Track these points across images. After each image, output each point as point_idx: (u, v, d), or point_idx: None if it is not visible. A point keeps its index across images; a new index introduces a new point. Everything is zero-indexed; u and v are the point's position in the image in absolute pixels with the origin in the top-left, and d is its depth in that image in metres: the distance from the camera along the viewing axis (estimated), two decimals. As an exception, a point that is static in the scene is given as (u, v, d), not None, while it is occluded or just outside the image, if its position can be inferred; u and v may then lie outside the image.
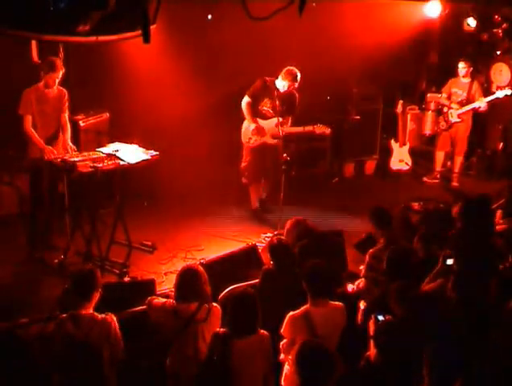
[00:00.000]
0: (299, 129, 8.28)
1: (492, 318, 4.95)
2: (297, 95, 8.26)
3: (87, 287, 4.81)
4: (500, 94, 9.54)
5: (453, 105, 9.79)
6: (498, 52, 10.72)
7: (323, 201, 9.27)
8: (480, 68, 10.73)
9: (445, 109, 9.91)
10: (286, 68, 8.13)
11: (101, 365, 4.65)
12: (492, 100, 9.61)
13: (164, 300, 5.16)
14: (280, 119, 8.07)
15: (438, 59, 11.47)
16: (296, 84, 8.11)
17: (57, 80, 7.09)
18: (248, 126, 8.30)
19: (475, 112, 9.81)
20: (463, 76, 9.74)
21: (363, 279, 6.01)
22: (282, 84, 8.12)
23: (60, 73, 7.06)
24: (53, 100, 7.17)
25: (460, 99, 9.76)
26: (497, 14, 10.53)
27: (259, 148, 8.34)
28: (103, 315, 4.77)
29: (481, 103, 9.59)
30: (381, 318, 4.88)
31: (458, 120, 9.77)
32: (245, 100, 8.25)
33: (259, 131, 8.22)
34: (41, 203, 7.23)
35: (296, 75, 8.07)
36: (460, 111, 9.72)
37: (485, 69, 10.66)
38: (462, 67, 9.67)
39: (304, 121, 8.35)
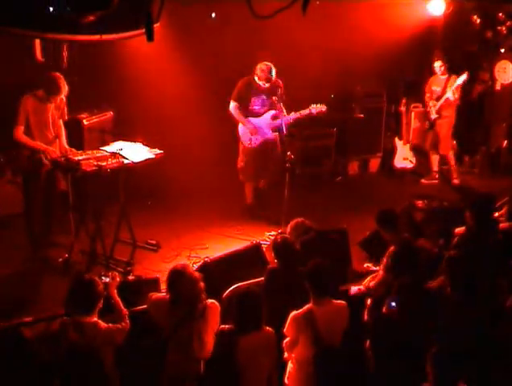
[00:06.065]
0: (296, 114, 8.12)
1: (499, 317, 4.97)
2: (280, 82, 8.03)
3: (88, 299, 4.74)
4: (459, 80, 9.53)
5: (431, 102, 9.84)
6: (502, 50, 10.70)
7: (327, 199, 9.27)
8: (484, 66, 10.73)
9: (428, 108, 9.96)
10: (258, 66, 7.99)
11: (103, 373, 4.62)
12: (457, 87, 9.56)
13: (164, 294, 5.14)
14: (272, 112, 8.11)
15: (441, 57, 11.43)
16: (273, 77, 7.93)
17: (58, 99, 6.99)
18: (244, 128, 8.27)
19: (451, 105, 9.76)
20: (441, 74, 9.80)
21: (378, 278, 5.85)
22: (260, 82, 8.02)
23: (64, 92, 6.93)
24: (52, 109, 7.04)
25: (436, 95, 9.83)
26: (501, 11, 10.51)
27: (261, 146, 8.31)
28: (106, 324, 4.72)
29: (449, 93, 9.61)
30: (393, 304, 4.91)
31: (437, 116, 9.83)
32: (232, 105, 8.20)
33: (257, 130, 8.21)
34: (35, 203, 7.17)
35: (268, 71, 7.90)
36: (437, 106, 9.78)
37: (489, 67, 10.64)
38: (438, 65, 9.75)
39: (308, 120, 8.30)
